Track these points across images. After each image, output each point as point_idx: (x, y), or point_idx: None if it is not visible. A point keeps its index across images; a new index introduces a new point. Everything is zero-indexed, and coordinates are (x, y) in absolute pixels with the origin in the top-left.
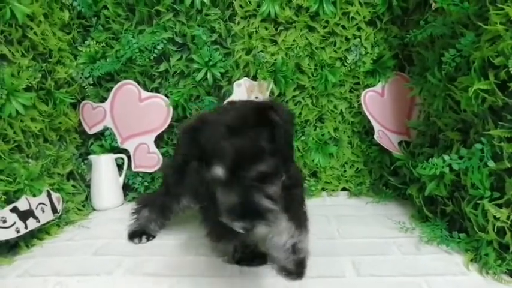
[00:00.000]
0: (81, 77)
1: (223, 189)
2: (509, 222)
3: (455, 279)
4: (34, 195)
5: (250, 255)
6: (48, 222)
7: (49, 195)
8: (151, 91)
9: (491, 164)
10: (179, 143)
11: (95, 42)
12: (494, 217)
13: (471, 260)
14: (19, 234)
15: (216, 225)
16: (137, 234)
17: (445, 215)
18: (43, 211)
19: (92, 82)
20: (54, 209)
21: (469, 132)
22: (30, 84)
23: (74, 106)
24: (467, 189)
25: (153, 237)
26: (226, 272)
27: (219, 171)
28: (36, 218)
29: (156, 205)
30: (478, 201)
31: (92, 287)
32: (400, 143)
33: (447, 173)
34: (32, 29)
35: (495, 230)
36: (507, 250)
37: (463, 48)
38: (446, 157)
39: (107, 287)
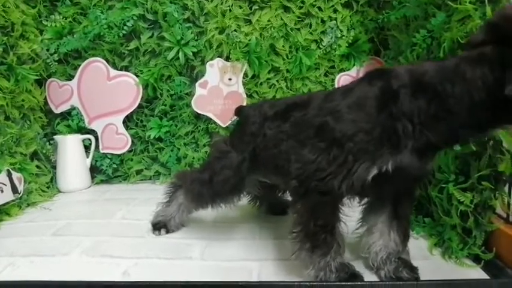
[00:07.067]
0: (46, 53)
1: None
2: (472, 206)
3: (418, 264)
4: None
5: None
6: (8, 203)
7: (9, 175)
8: (121, 70)
9: (457, 147)
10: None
11: (61, 17)
12: (458, 201)
13: (435, 245)
14: None
15: (319, 230)
16: (157, 227)
17: None
18: (2, 191)
19: (58, 59)
20: (14, 189)
21: None
22: None
23: (40, 84)
24: (434, 174)
25: (173, 231)
26: (184, 254)
27: None
28: None
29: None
30: (444, 185)
31: (46, 268)
32: None
33: None
34: None
35: (458, 214)
36: (470, 234)
37: (433, 28)
38: None
39: (61, 268)
